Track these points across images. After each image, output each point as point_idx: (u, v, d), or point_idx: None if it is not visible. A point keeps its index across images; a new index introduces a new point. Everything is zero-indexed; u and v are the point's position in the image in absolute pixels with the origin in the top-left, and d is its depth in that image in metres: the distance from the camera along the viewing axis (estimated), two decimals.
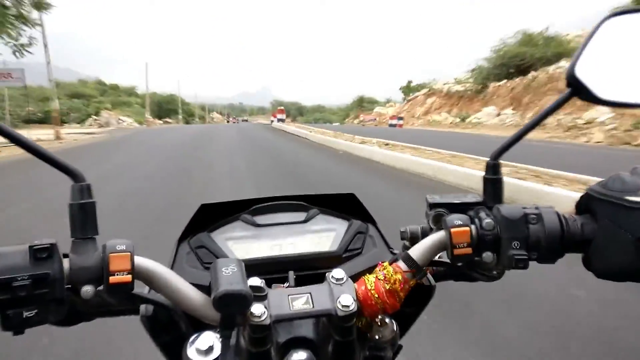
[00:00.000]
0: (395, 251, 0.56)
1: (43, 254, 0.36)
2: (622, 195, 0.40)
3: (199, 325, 0.42)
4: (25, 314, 0.36)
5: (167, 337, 0.48)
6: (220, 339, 0.41)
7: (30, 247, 0.35)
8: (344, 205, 0.60)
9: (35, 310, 0.36)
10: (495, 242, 0.43)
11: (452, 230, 0.43)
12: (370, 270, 0.46)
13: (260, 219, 0.58)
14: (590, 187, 0.43)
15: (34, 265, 0.35)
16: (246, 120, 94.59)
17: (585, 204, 0.43)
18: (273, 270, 0.53)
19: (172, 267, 0.54)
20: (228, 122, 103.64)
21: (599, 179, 0.43)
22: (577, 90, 0.45)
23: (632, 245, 0.39)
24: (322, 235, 0.57)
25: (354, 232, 0.58)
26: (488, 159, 0.47)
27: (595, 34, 0.45)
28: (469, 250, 0.43)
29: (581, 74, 0.44)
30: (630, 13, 0.45)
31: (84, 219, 0.38)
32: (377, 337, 0.46)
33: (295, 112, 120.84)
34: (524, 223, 0.42)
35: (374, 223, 0.60)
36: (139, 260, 0.39)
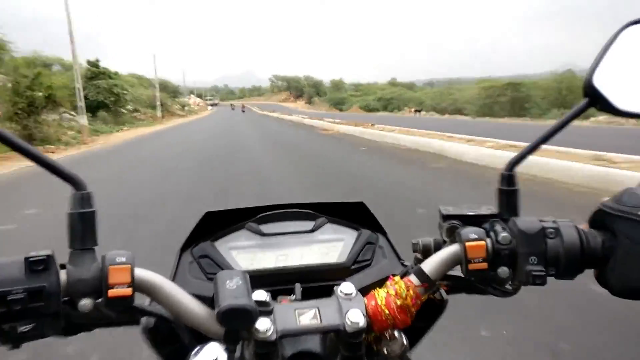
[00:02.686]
0: (406, 263, 0.61)
1: (39, 266, 0.38)
2: (637, 211, 0.43)
3: (201, 336, 0.45)
4: (20, 328, 0.38)
5: (169, 349, 0.52)
6: (225, 352, 0.44)
7: (26, 258, 0.38)
8: (353, 214, 0.64)
9: (32, 325, 0.38)
10: (511, 257, 0.46)
11: (467, 244, 0.46)
12: (380, 283, 0.50)
13: (266, 228, 0.61)
14: (603, 203, 0.47)
15: (29, 278, 0.37)
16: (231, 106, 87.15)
17: (600, 220, 0.47)
18: (279, 281, 0.57)
19: (174, 278, 0.58)
20: (215, 105, 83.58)
21: None
22: (595, 100, 0.48)
23: None
24: (330, 246, 0.61)
25: (364, 243, 0.62)
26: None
27: (613, 42, 0.48)
28: (484, 265, 0.46)
29: (599, 83, 0.47)
30: None
31: (83, 229, 0.41)
32: (385, 351, 0.50)
33: (311, 90, 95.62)
34: (542, 237, 0.45)
35: (384, 233, 0.65)
36: (140, 273, 0.42)
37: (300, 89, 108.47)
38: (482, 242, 0.46)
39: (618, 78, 0.47)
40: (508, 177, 0.51)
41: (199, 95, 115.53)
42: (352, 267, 0.60)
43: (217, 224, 0.61)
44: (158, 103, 38.43)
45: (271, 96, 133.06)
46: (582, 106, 0.48)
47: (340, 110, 67.62)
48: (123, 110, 29.30)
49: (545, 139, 0.50)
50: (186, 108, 65.58)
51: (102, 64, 28.55)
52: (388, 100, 63.44)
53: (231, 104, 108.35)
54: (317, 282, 0.58)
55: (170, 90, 55.36)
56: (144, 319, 0.50)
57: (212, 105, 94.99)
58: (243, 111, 65.51)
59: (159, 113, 38.04)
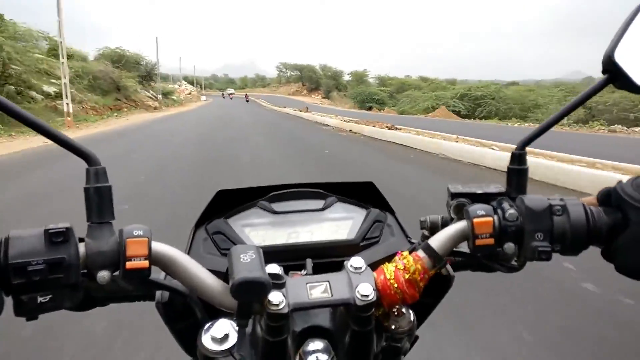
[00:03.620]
0: (414, 241, 0.65)
1: (59, 238, 0.40)
2: None
3: (214, 313, 0.48)
4: (40, 299, 0.40)
5: (182, 324, 0.55)
6: (237, 327, 0.46)
7: (46, 230, 0.40)
8: (362, 194, 0.69)
9: (50, 296, 0.40)
10: (517, 233, 0.49)
11: (475, 220, 0.49)
12: (388, 259, 0.52)
13: (278, 206, 0.65)
14: (620, 185, 0.50)
15: (49, 250, 0.39)
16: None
17: (611, 198, 0.50)
18: (290, 257, 0.60)
19: (188, 253, 0.61)
20: (231, 96, 75.51)
21: None
22: (615, 77, 0.49)
23: None
24: (340, 224, 0.65)
25: (372, 221, 0.66)
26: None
27: (634, 19, 0.49)
28: (491, 240, 0.49)
29: (620, 59, 0.48)
30: None
31: (99, 203, 0.43)
32: (394, 327, 0.52)
33: (329, 82, 79.56)
34: (549, 214, 0.48)
35: (392, 212, 0.70)
36: (156, 246, 0.45)
37: (316, 81, 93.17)
38: (490, 219, 0.49)
39: (639, 54, 0.48)
40: (519, 156, 0.53)
41: (190, 83, 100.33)
42: (361, 244, 0.64)
43: (230, 202, 0.65)
44: (64, 88, 17.78)
45: (278, 87, 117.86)
46: (601, 83, 0.50)
47: (379, 110, 52.04)
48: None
49: (560, 117, 0.52)
50: (174, 97, 50.99)
51: None
52: (479, 98, 42.84)
53: (222, 93, 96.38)
54: (327, 257, 0.62)
55: (143, 71, 39.44)
56: (158, 294, 0.53)
57: (229, 95, 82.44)
58: (247, 101, 59.46)
59: (65, 106, 17.82)
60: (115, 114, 24.87)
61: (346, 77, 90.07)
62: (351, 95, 68.16)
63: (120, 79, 29.12)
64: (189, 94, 79.23)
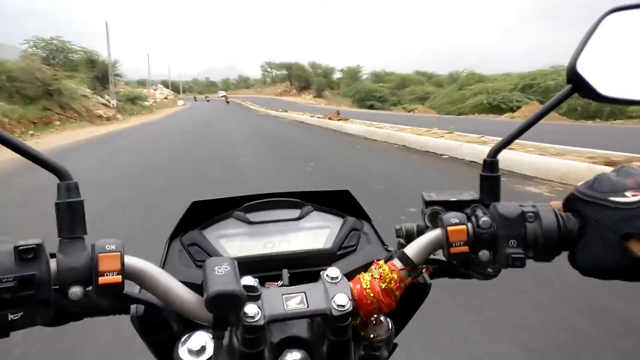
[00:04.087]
0: (390, 248, 0.66)
1: (29, 254, 0.39)
2: (606, 197, 0.47)
3: (190, 325, 0.48)
4: (11, 316, 0.40)
5: (158, 337, 0.54)
6: (213, 339, 0.46)
7: (15, 247, 0.39)
8: (338, 202, 0.69)
9: (21, 313, 0.40)
10: (491, 241, 0.50)
11: (449, 228, 0.50)
12: (365, 267, 0.53)
13: (254, 216, 0.65)
14: (576, 188, 0.51)
15: (19, 267, 0.39)
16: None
17: (572, 204, 0.51)
18: (266, 268, 0.61)
19: (163, 266, 0.61)
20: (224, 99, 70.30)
21: None
22: (578, 87, 0.51)
23: (617, 244, 0.46)
24: (317, 233, 0.65)
25: (349, 229, 0.66)
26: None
27: (596, 29, 0.50)
28: (465, 248, 0.50)
29: (582, 69, 0.50)
30: (631, 9, 0.51)
31: (71, 217, 0.43)
32: (372, 336, 0.53)
33: (321, 81, 71.84)
34: (521, 221, 0.49)
35: (368, 220, 0.70)
36: (129, 260, 0.45)
37: (305, 79, 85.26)
38: (463, 227, 0.50)
39: (601, 64, 0.50)
40: (490, 164, 0.54)
41: (168, 87, 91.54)
42: (338, 253, 0.64)
43: (205, 213, 0.64)
44: None
45: (263, 88, 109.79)
46: (565, 92, 0.51)
47: (381, 108, 44.16)
48: None
49: (528, 126, 0.53)
50: (145, 102, 42.87)
51: None
52: (552, 90, 31.14)
53: (194, 97, 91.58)
54: (303, 267, 0.62)
55: (99, 71, 31.22)
56: (133, 308, 0.53)
57: (222, 96, 75.74)
58: (227, 102, 56.76)
59: None
60: (32, 131, 16.66)
61: (337, 75, 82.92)
62: (348, 93, 61.01)
63: (53, 81, 20.75)
64: (165, 98, 71.17)
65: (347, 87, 73.65)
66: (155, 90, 78.21)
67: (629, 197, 0.46)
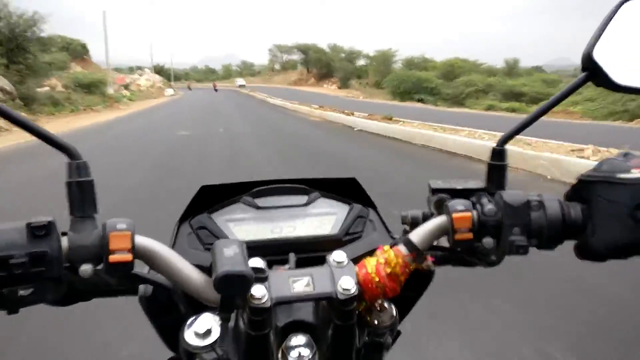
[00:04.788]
0: (395, 236, 0.66)
1: (41, 231, 0.40)
2: (613, 174, 0.48)
3: (198, 307, 0.49)
4: (21, 292, 0.40)
5: (165, 319, 0.55)
6: (219, 322, 0.47)
7: (28, 224, 0.40)
8: (345, 190, 0.70)
9: (32, 289, 0.41)
10: (496, 228, 0.50)
11: (454, 215, 0.50)
12: (370, 254, 0.53)
13: (261, 202, 0.66)
14: (581, 174, 0.52)
15: (31, 243, 0.40)
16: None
17: (578, 192, 0.52)
18: (274, 252, 0.61)
19: (172, 248, 0.62)
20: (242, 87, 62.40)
21: None
22: (593, 75, 0.50)
23: (629, 218, 0.46)
24: (323, 219, 0.66)
25: (355, 216, 0.67)
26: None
27: (612, 17, 0.50)
28: (469, 235, 0.50)
29: (598, 57, 0.50)
30: None
31: (82, 197, 0.44)
32: (376, 322, 0.53)
33: (347, 67, 57.93)
34: (526, 209, 0.50)
35: (374, 208, 0.71)
36: (140, 240, 0.45)
37: (326, 65, 70.73)
38: (469, 214, 0.50)
39: (617, 53, 0.50)
40: (499, 152, 0.55)
41: (159, 72, 76.96)
42: (344, 239, 0.64)
43: (214, 198, 0.65)
44: None
45: (271, 76, 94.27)
46: (580, 80, 0.51)
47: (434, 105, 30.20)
48: None
49: (539, 114, 0.53)
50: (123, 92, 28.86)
51: None
52: None
53: (188, 85, 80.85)
54: (310, 252, 0.62)
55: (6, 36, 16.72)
56: (142, 288, 0.53)
57: (239, 86, 65.43)
58: (216, 90, 54.87)
59: None
60: None
61: (360, 61, 68.55)
62: (387, 83, 46.69)
63: None
64: (152, 86, 57.17)
65: (378, 75, 60.05)
66: (140, 75, 64.29)
67: (636, 173, 0.47)
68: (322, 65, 71.48)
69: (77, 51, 51.64)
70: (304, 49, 78.97)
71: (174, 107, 28.68)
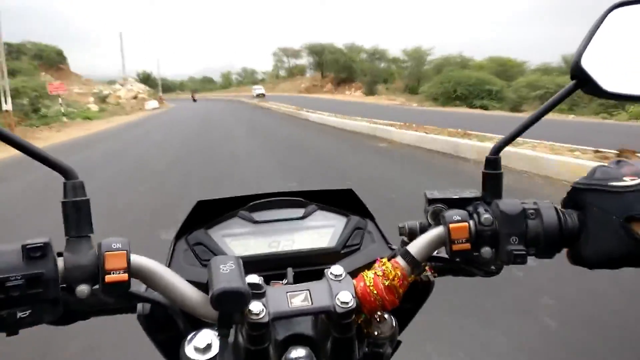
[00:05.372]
0: (394, 247, 0.66)
1: (36, 253, 0.40)
2: (605, 183, 0.48)
3: (196, 323, 0.49)
4: (19, 314, 0.40)
5: (164, 336, 0.55)
6: (219, 337, 0.47)
7: (23, 246, 0.40)
8: (342, 201, 0.70)
9: (29, 311, 0.41)
10: (493, 238, 0.50)
11: (451, 225, 0.50)
12: (369, 266, 0.53)
13: (258, 216, 0.66)
14: (575, 182, 0.52)
15: (27, 265, 0.40)
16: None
17: (572, 199, 0.52)
18: (271, 267, 0.62)
19: (169, 265, 0.62)
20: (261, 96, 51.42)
21: None
22: (582, 82, 0.50)
23: (620, 228, 0.46)
24: (321, 232, 0.66)
25: (353, 228, 0.67)
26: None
27: (600, 25, 0.50)
28: (467, 245, 0.50)
29: (587, 65, 0.49)
30: (636, 4, 0.51)
31: (77, 216, 0.44)
32: (376, 333, 0.53)
33: (372, 69, 47.01)
34: (523, 218, 0.50)
35: (372, 219, 0.71)
36: (136, 259, 0.45)
37: (346, 68, 59.79)
38: (465, 224, 0.50)
39: (606, 60, 0.50)
40: (493, 161, 0.54)
41: (144, 81, 65.75)
42: (342, 252, 0.64)
43: (210, 213, 0.65)
44: None
45: (277, 83, 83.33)
46: (569, 88, 0.51)
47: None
48: None
49: (531, 122, 0.53)
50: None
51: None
52: None
53: (192, 97, 69.07)
54: (308, 266, 0.63)
55: None
56: (139, 306, 0.54)
57: (257, 95, 55.45)
58: (194, 100, 54.07)
59: None
60: None
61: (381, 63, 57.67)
62: (435, 86, 36.11)
63: None
64: (135, 97, 46.48)
65: (409, 78, 49.51)
66: (122, 85, 53.64)
67: (628, 181, 0.47)
68: (339, 68, 60.11)
69: (51, 59, 43.97)
70: (317, 50, 67.19)
71: (158, 122, 18.72)
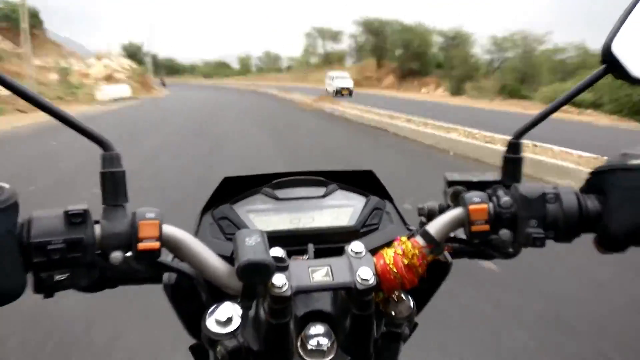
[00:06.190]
0: (412, 228, 0.68)
1: (77, 219, 0.42)
2: (626, 162, 0.49)
3: (218, 296, 0.50)
4: (57, 277, 0.43)
5: (187, 307, 0.57)
6: (240, 311, 0.48)
7: (65, 212, 0.42)
8: (362, 182, 0.72)
9: (67, 274, 0.43)
10: (512, 220, 0.51)
11: (470, 207, 0.51)
12: (387, 245, 0.54)
13: (281, 193, 0.68)
14: (595, 168, 0.53)
15: (68, 230, 0.42)
16: None
17: (592, 184, 0.52)
18: (293, 242, 0.63)
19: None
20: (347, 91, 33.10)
21: None
22: (612, 67, 0.50)
23: None
24: (341, 210, 0.68)
25: (372, 208, 0.68)
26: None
27: (633, 9, 0.50)
28: (486, 227, 0.51)
29: (618, 50, 0.49)
30: None
31: (114, 186, 0.46)
32: (393, 313, 0.54)
33: (468, 59, 30.96)
34: (542, 202, 0.50)
35: (391, 200, 0.73)
36: (167, 228, 0.47)
37: (417, 55, 43.10)
38: (485, 205, 0.51)
39: (637, 46, 0.49)
40: (515, 145, 0.55)
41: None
42: (361, 230, 0.66)
43: (235, 189, 0.68)
44: None
45: (307, 73, 67.38)
46: (599, 73, 0.51)
47: None
48: None
49: (557, 107, 0.53)
50: None
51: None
52: None
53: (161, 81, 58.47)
54: (328, 243, 0.64)
55: None
56: (166, 276, 0.56)
57: (337, 92, 37.01)
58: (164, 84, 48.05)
59: None
60: None
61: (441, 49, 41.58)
62: (612, 90, 20.20)
63: None
64: (108, 78, 31.14)
65: (512, 74, 33.87)
66: (99, 59, 38.30)
67: None
68: (409, 55, 43.42)
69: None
70: (374, 29, 49.36)
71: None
